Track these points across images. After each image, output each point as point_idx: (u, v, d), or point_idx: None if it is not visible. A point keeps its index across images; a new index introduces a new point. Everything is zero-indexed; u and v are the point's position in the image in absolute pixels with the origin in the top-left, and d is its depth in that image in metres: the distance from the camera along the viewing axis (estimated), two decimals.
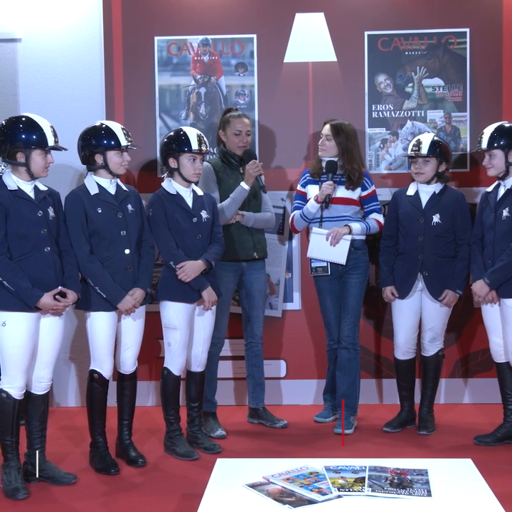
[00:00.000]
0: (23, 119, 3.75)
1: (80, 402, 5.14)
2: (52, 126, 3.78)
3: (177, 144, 4.16)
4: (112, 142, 3.96)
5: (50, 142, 3.74)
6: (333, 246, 4.54)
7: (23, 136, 3.69)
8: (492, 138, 4.28)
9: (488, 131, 4.32)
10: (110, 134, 3.97)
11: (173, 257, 4.15)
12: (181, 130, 4.22)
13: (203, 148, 4.18)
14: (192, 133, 4.19)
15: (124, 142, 3.98)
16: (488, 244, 4.34)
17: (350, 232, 4.56)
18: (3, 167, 3.77)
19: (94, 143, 3.97)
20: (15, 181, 3.72)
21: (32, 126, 3.72)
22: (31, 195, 3.74)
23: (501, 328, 4.32)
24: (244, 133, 4.64)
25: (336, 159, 4.62)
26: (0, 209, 3.64)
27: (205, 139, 4.24)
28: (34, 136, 3.70)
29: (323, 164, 4.65)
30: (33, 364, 3.78)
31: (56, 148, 3.79)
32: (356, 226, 4.59)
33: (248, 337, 4.80)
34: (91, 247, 3.94)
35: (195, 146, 4.15)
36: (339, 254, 4.55)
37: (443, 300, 4.50)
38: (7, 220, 3.65)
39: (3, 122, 3.77)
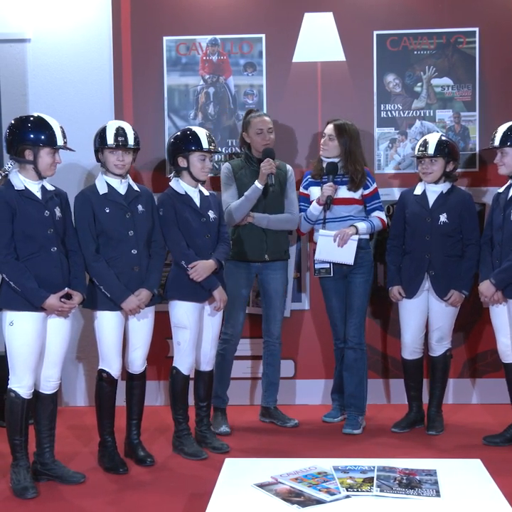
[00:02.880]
0: (32, 118, 3.76)
1: (89, 402, 5.15)
2: (61, 127, 3.79)
3: (187, 143, 4.18)
4: (104, 141, 3.96)
5: (59, 142, 3.75)
6: (341, 247, 4.54)
7: (33, 134, 3.70)
8: (505, 136, 4.27)
9: (501, 129, 4.31)
10: (103, 133, 3.98)
11: (185, 256, 4.16)
12: (191, 129, 4.24)
13: (212, 147, 4.20)
14: (201, 132, 4.21)
15: (110, 141, 3.95)
16: (496, 245, 4.34)
17: (356, 232, 4.56)
18: (10, 165, 3.77)
19: (96, 142, 4.01)
20: (22, 181, 3.72)
21: (42, 124, 3.73)
22: (38, 195, 3.74)
23: (509, 327, 4.31)
24: (266, 131, 4.65)
25: (337, 160, 4.62)
26: (7, 209, 3.64)
27: (213, 138, 4.26)
28: (43, 135, 3.71)
29: (324, 165, 4.65)
30: (41, 363, 3.79)
31: (65, 148, 3.80)
32: (362, 226, 4.59)
33: (265, 336, 4.82)
34: (98, 246, 3.95)
35: (205, 145, 4.16)
36: (347, 254, 4.55)
37: (449, 300, 4.50)
38: (14, 220, 3.66)
39: (13, 121, 3.79)
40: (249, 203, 4.56)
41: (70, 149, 3.84)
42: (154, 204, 4.16)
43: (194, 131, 4.21)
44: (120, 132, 3.98)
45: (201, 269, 4.15)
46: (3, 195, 3.67)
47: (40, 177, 3.75)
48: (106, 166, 4.00)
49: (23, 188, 3.71)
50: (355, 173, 4.59)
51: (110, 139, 3.96)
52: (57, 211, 3.80)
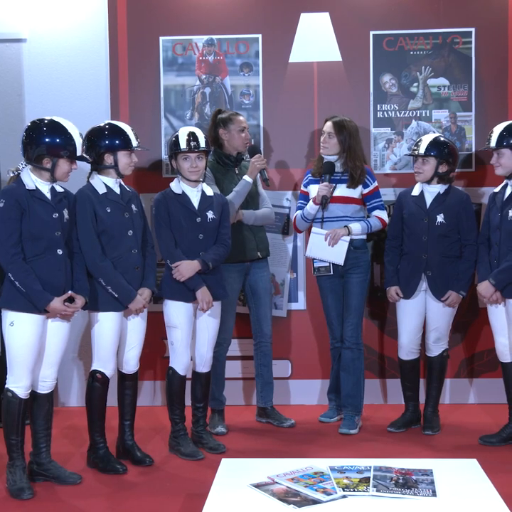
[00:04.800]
0: (53, 125, 3.71)
1: (85, 402, 5.14)
2: (81, 134, 3.78)
3: (171, 146, 4.20)
4: (123, 143, 3.97)
5: (79, 152, 3.74)
6: (332, 246, 4.56)
7: (51, 143, 3.66)
8: (501, 136, 4.26)
9: (497, 129, 4.30)
10: (121, 134, 3.98)
11: (171, 255, 4.16)
12: (176, 132, 4.24)
13: (194, 145, 4.15)
14: (183, 133, 4.19)
15: (134, 143, 4.00)
16: (494, 245, 4.34)
17: (349, 233, 4.57)
18: (22, 164, 3.76)
19: (108, 142, 3.97)
20: (33, 181, 3.70)
21: (63, 133, 3.69)
22: (48, 196, 3.73)
23: (507, 328, 4.31)
24: (246, 129, 4.68)
25: (335, 158, 4.62)
26: (17, 208, 3.62)
27: (198, 136, 4.18)
28: (65, 147, 3.68)
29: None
30: (38, 364, 3.78)
31: (83, 159, 3.80)
32: (356, 226, 4.59)
33: (257, 336, 4.81)
34: (102, 246, 3.95)
35: (183, 145, 4.14)
36: (337, 254, 4.57)
37: (446, 301, 4.50)
38: (22, 219, 3.64)
39: (29, 124, 3.75)
40: (240, 198, 4.55)
41: (88, 161, 3.86)
42: (141, 204, 4.17)
43: (176, 134, 4.20)
44: (135, 133, 4.03)
45: (184, 269, 4.14)
46: (14, 193, 3.65)
47: (54, 181, 3.75)
48: (117, 168, 3.98)
49: (34, 188, 3.69)
50: (355, 169, 4.60)
51: (134, 142, 3.99)
52: (66, 213, 3.79)
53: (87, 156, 3.86)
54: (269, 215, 4.76)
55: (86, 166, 4.10)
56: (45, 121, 3.74)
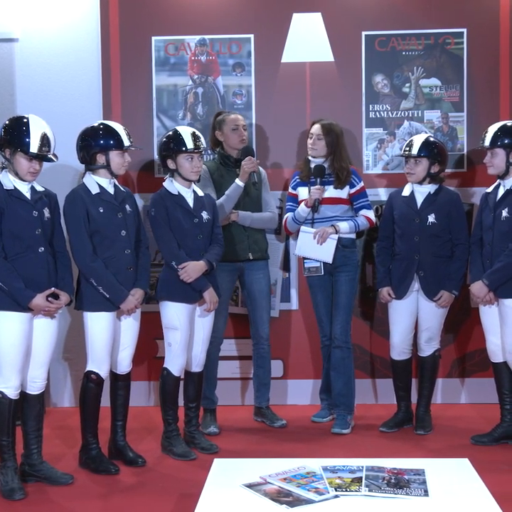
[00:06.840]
0: (19, 120, 3.73)
1: (77, 403, 5.11)
2: (44, 134, 3.71)
3: (173, 145, 4.17)
4: (115, 142, 3.96)
5: (33, 149, 3.67)
6: (320, 244, 4.57)
7: (10, 137, 3.68)
8: (495, 136, 4.27)
9: (492, 129, 4.31)
10: (113, 134, 3.97)
11: (176, 257, 4.15)
12: (176, 131, 4.23)
13: (199, 145, 4.18)
14: (186, 132, 4.20)
15: (126, 143, 3.99)
16: (486, 245, 4.34)
17: (336, 232, 4.59)
18: (2, 164, 3.77)
19: (100, 142, 3.95)
20: (11, 181, 3.71)
21: (23, 129, 3.68)
22: (27, 195, 3.73)
23: (499, 327, 4.32)
24: (242, 127, 4.68)
25: (322, 160, 4.66)
26: None
27: (200, 136, 4.23)
28: (20, 140, 3.66)
29: (311, 166, 4.68)
30: (27, 364, 3.77)
31: (42, 157, 3.71)
32: (343, 225, 4.62)
33: (255, 338, 4.82)
34: (93, 246, 3.94)
35: (190, 145, 4.15)
36: (326, 252, 4.60)
37: (438, 300, 4.51)
38: (2, 219, 3.65)
39: (7, 121, 3.76)
40: (231, 202, 4.57)
41: (50, 160, 3.76)
42: (137, 204, 4.17)
43: (178, 133, 4.20)
44: (128, 133, 4.02)
45: (191, 270, 4.14)
46: None
47: (21, 179, 3.72)
48: (110, 168, 3.97)
49: (12, 188, 3.70)
50: (341, 171, 4.64)
51: (126, 141, 3.98)
52: (46, 212, 3.79)
53: (54, 158, 3.77)
54: (270, 220, 4.77)
55: (79, 167, 4.09)
56: (15, 116, 3.79)
